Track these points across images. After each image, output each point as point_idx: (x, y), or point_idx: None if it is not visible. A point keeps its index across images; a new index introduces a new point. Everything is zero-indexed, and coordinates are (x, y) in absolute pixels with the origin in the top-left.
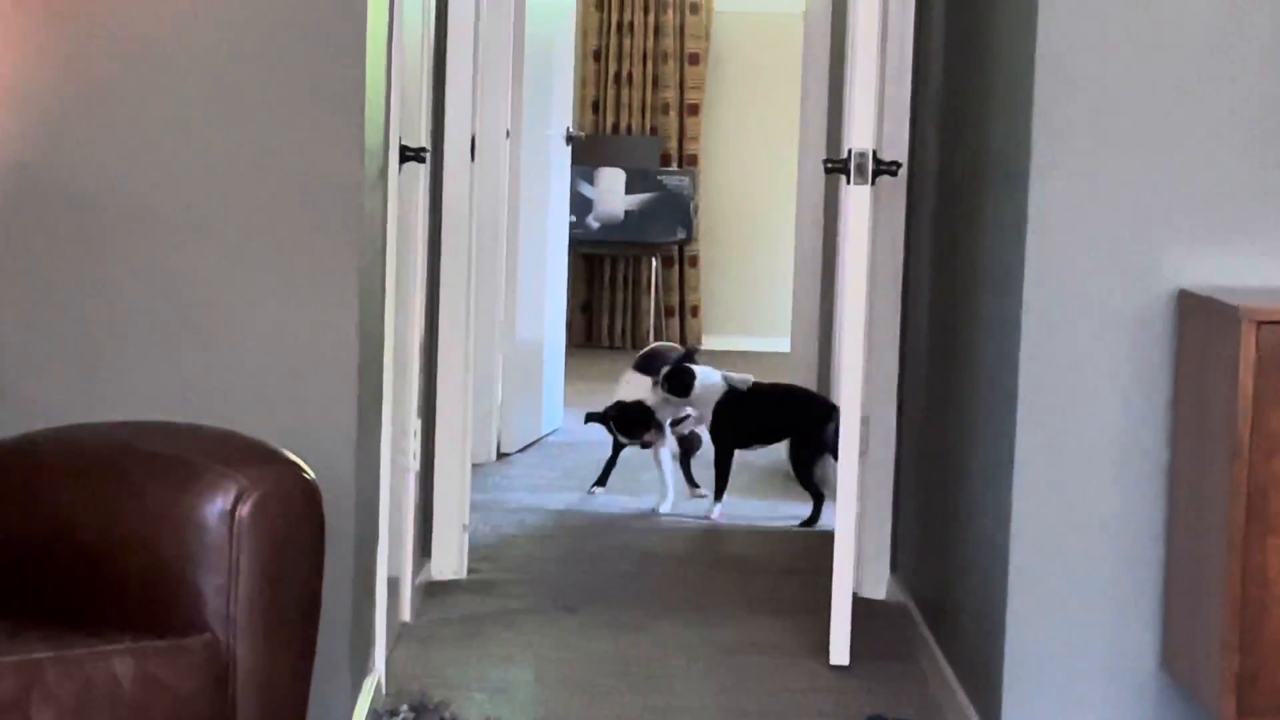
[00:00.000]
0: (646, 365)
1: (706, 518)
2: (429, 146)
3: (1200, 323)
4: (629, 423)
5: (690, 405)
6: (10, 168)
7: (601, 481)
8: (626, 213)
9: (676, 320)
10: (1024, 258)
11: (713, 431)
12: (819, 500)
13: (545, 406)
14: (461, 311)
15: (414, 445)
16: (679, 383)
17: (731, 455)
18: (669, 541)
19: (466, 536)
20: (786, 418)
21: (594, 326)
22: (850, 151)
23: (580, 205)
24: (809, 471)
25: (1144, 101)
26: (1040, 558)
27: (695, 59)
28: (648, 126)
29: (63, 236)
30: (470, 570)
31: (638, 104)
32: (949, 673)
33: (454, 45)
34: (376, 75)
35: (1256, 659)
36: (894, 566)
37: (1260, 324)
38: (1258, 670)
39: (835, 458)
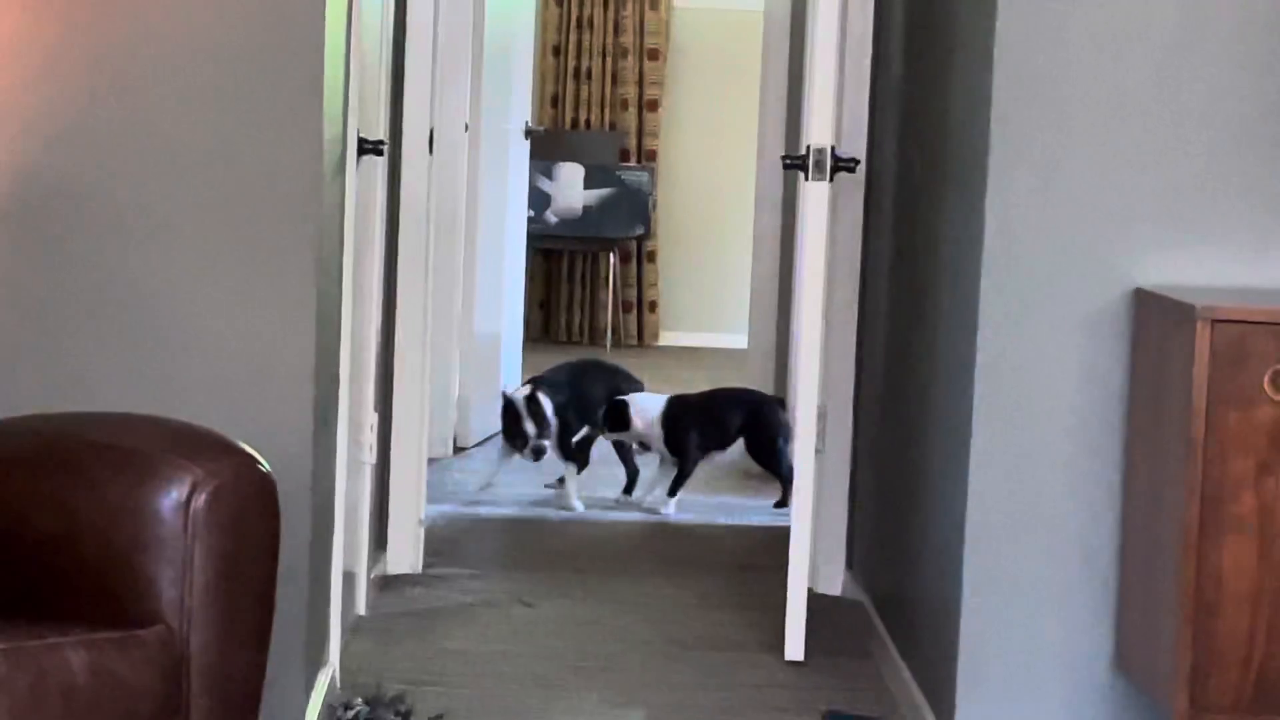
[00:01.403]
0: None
1: (660, 513)
2: (387, 140)
3: (1156, 321)
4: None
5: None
6: None
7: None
8: (585, 208)
9: (634, 316)
10: (981, 255)
11: (672, 445)
12: (788, 483)
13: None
14: (419, 305)
15: (370, 439)
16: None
17: (695, 462)
18: (626, 537)
19: (422, 530)
20: (736, 419)
21: (552, 322)
22: (809, 148)
23: (539, 200)
24: (774, 461)
25: (1102, 101)
26: (995, 555)
27: (654, 55)
28: (607, 122)
29: (21, 231)
30: (426, 564)
31: (597, 99)
32: (904, 669)
33: (413, 38)
34: (335, 67)
35: (1209, 657)
36: (850, 563)
37: (1215, 323)
38: (1210, 668)
39: (788, 441)
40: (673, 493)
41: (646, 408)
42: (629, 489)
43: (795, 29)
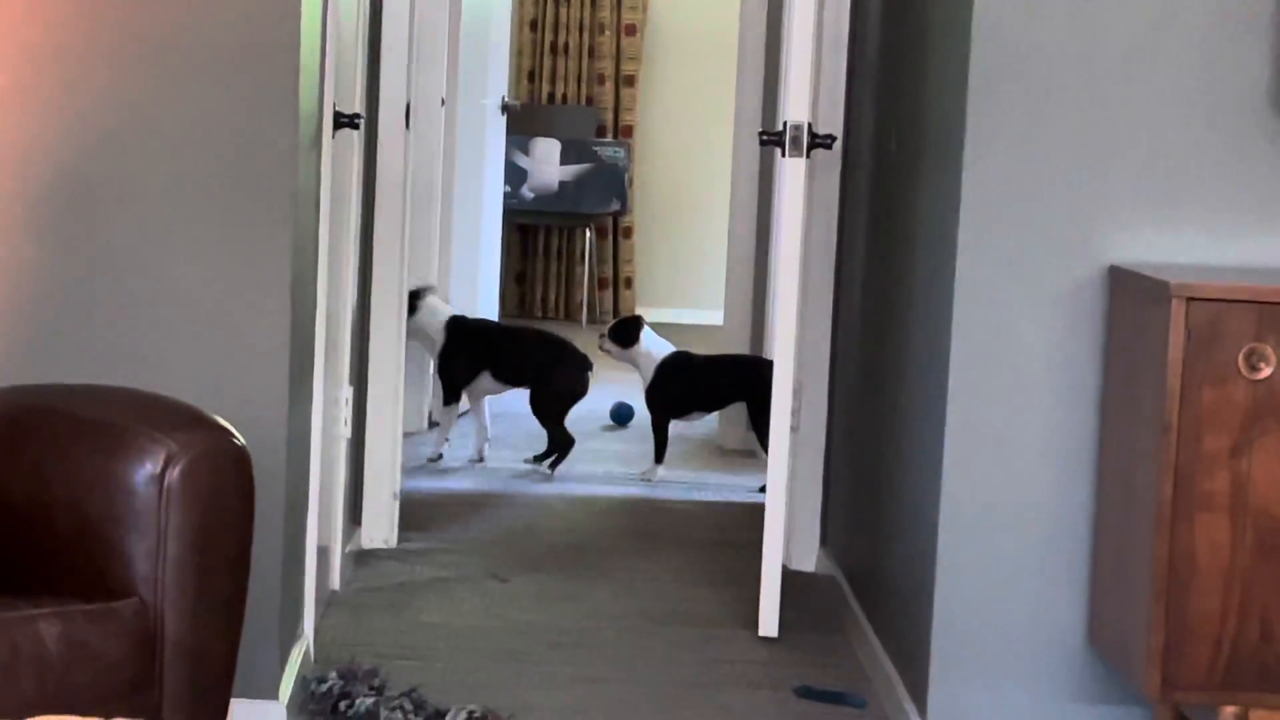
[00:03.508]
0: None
1: (647, 480)
2: (363, 113)
3: (1131, 299)
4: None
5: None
6: None
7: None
8: (561, 183)
9: (610, 292)
10: (957, 232)
11: (649, 397)
12: None
13: None
14: (395, 280)
15: (345, 413)
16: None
17: (668, 421)
18: (601, 512)
19: (397, 505)
20: (738, 384)
21: (527, 297)
22: (785, 124)
23: (515, 175)
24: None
25: (1079, 78)
26: (969, 532)
27: (632, 30)
28: (583, 97)
29: None
30: (400, 539)
31: (574, 74)
32: (877, 645)
33: (390, 11)
34: (311, 40)
35: (1181, 635)
36: (824, 539)
37: (1190, 300)
38: (1182, 646)
39: None
40: (659, 459)
41: (655, 346)
42: (555, 461)
43: (773, 4)
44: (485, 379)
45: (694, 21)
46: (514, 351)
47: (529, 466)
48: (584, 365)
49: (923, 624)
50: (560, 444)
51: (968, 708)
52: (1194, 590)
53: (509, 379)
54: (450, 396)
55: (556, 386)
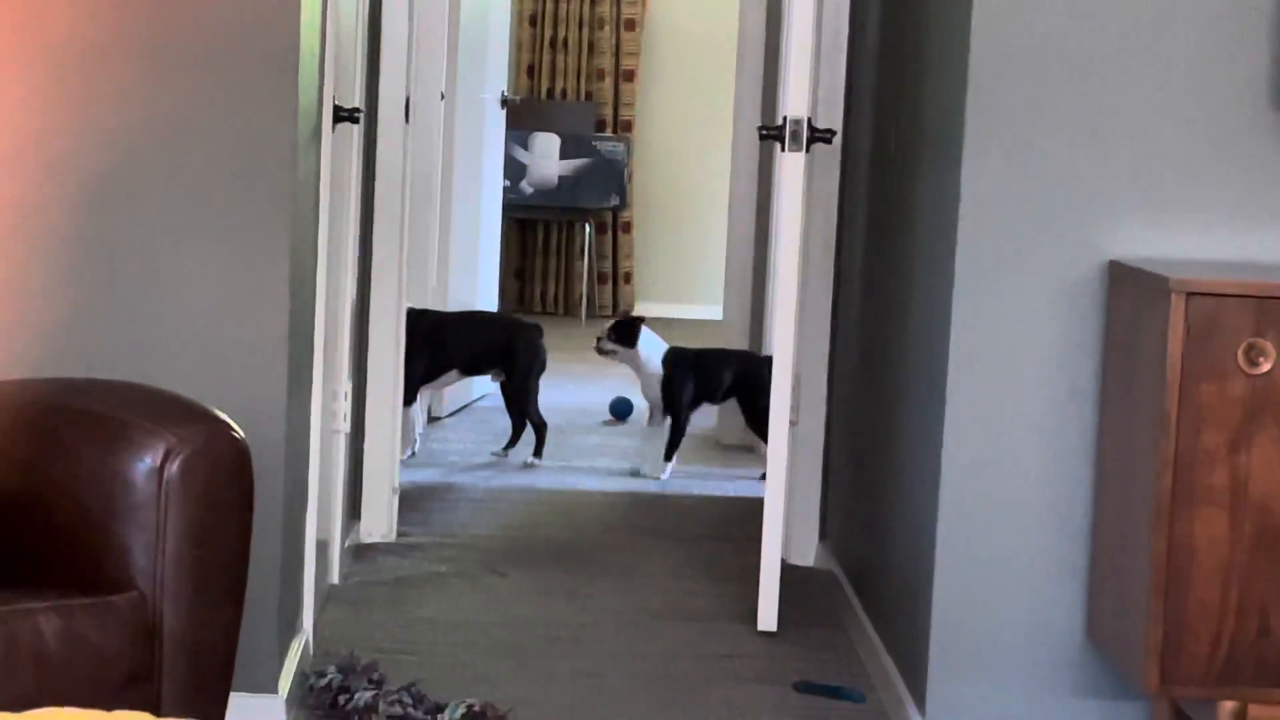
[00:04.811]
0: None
1: (655, 477)
2: (363, 108)
3: (1130, 294)
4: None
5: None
6: None
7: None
8: (560, 178)
9: (609, 287)
10: (956, 227)
11: (667, 394)
12: None
13: None
14: (394, 274)
15: (345, 407)
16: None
17: (687, 418)
18: (599, 508)
19: (396, 499)
20: (734, 378)
21: (527, 292)
22: (785, 119)
23: (514, 170)
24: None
25: (1078, 74)
26: (968, 526)
27: (631, 25)
28: (583, 92)
29: None
30: (399, 533)
31: (573, 69)
32: (876, 640)
33: (390, 5)
34: (311, 34)
35: (1180, 629)
36: (823, 534)
37: (1190, 295)
38: (1181, 640)
39: None
40: (668, 457)
41: (653, 346)
42: (509, 445)
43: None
44: (450, 375)
45: (693, 16)
46: (472, 339)
47: (495, 458)
48: (540, 333)
49: (921, 618)
50: (539, 427)
51: (966, 702)
52: (1193, 585)
53: (470, 369)
54: (408, 397)
55: (531, 366)
